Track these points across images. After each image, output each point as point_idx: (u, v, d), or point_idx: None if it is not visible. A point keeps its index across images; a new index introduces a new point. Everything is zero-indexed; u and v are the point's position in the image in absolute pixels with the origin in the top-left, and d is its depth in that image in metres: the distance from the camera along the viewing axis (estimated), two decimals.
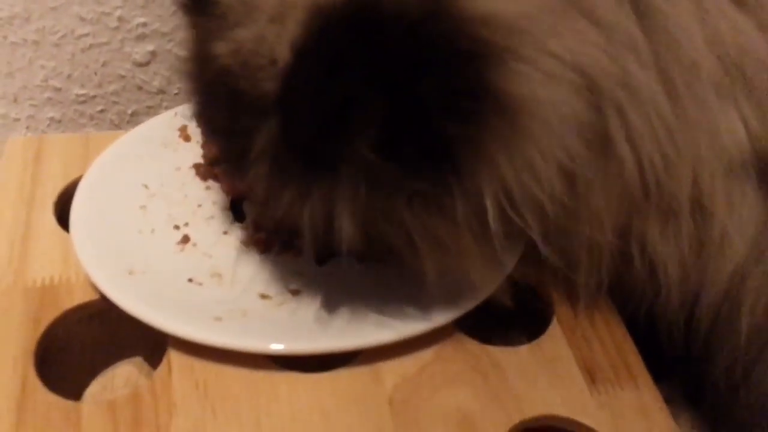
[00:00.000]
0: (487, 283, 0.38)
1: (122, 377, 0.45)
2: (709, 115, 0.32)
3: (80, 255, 0.40)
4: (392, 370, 0.38)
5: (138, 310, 0.37)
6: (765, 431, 0.41)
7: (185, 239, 0.42)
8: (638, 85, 0.31)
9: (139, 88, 0.53)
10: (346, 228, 0.32)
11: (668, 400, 0.46)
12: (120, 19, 0.50)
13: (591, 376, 0.39)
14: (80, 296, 0.41)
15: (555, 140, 0.31)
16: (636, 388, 0.39)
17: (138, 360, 0.45)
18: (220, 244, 0.42)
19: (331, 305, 0.39)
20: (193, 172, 0.45)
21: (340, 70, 0.30)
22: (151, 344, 0.41)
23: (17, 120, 0.52)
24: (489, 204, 0.31)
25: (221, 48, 0.34)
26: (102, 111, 0.53)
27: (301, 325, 0.38)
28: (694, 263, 0.36)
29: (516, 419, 0.37)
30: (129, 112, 0.54)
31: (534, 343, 0.41)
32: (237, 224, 0.43)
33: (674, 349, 0.42)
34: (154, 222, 0.43)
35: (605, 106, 0.31)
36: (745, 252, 0.35)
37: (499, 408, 0.37)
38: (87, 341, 0.45)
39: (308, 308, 0.39)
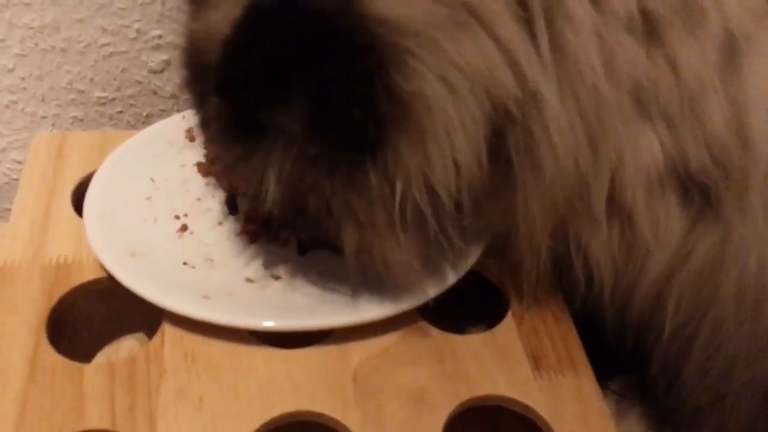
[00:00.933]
0: (408, 270, 0.40)
1: (126, 349, 0.50)
2: (621, 135, 0.36)
3: (90, 238, 0.45)
4: (359, 349, 0.43)
5: (137, 287, 0.42)
6: (699, 425, 0.45)
7: (184, 228, 0.47)
8: (544, 104, 0.35)
9: (154, 92, 0.58)
10: (272, 192, 0.37)
11: (620, 395, 0.50)
12: (138, 31, 0.55)
13: (536, 362, 0.43)
14: (89, 274, 0.46)
15: (454, 142, 0.34)
16: (576, 375, 0.43)
17: (141, 335, 0.50)
18: (215, 234, 0.47)
19: (307, 289, 0.44)
20: (195, 169, 0.51)
21: (266, 46, 0.34)
22: (152, 322, 0.46)
23: (44, 118, 0.57)
24: (398, 188, 0.35)
25: (196, 26, 0.40)
26: (120, 112, 0.58)
27: (280, 306, 0.43)
28: (624, 266, 0.40)
29: (464, 397, 0.41)
30: (144, 114, 0.59)
31: (488, 332, 0.45)
32: (231, 217, 0.48)
33: (618, 346, 0.47)
34: (158, 212, 0.48)
35: (511, 120, 0.35)
36: (669, 258, 0.39)
37: (451, 387, 0.42)
38: (96, 317, 0.50)
39: (287, 292, 0.44)
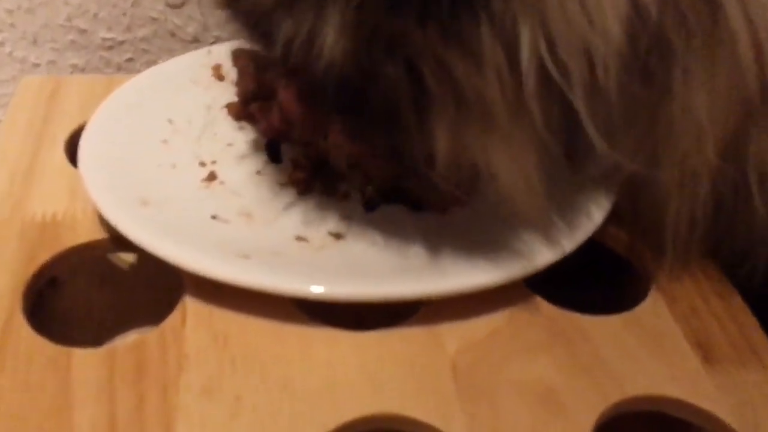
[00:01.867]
0: (520, 193, 0.28)
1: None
2: None
3: (88, 186, 0.33)
4: (456, 332, 0.31)
5: (151, 242, 0.30)
6: None
7: (211, 176, 0.35)
8: None
9: (172, 34, 0.47)
10: (330, 44, 0.25)
11: None
12: None
13: (704, 352, 0.31)
14: (85, 235, 0.34)
15: None
16: (763, 368, 0.31)
17: (152, 329, 0.39)
18: (252, 184, 0.35)
19: (380, 251, 0.32)
20: (225, 111, 0.39)
21: None
22: (168, 310, 0.35)
23: (37, 65, 0.46)
24: (524, 41, 0.24)
25: None
26: (129, 60, 0.47)
27: (343, 269, 0.31)
28: None
29: (614, 398, 0.29)
30: (159, 61, 0.47)
31: (630, 313, 0.33)
32: (272, 166, 0.37)
33: None
34: (177, 157, 0.36)
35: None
36: None
37: (591, 384, 0.29)
38: (95, 305, 0.39)
39: (352, 252, 0.32)
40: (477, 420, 0.28)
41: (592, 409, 0.28)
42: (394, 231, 0.33)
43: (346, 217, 0.34)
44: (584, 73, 0.24)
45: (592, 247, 0.35)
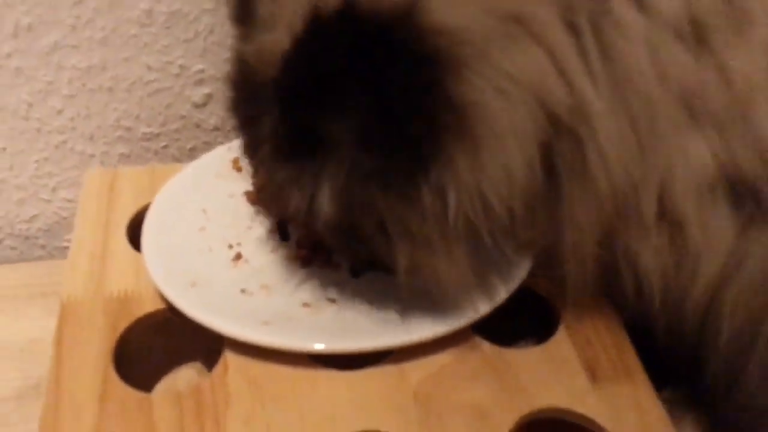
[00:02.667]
0: (459, 286, 0.41)
1: (184, 379, 0.50)
2: (671, 142, 0.36)
3: (151, 270, 0.45)
4: (417, 368, 0.43)
5: (200, 316, 0.42)
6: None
7: (238, 256, 0.48)
8: (594, 112, 0.35)
9: (197, 126, 0.59)
10: (326, 209, 0.37)
11: (673, 402, 0.50)
12: (181, 66, 0.56)
13: (592, 373, 0.43)
14: (149, 306, 0.46)
15: (508, 151, 0.35)
16: (633, 384, 0.43)
17: (197, 364, 0.51)
18: (268, 260, 0.48)
19: (363, 311, 0.44)
20: (244, 198, 0.51)
21: (327, 59, 0.35)
22: (208, 351, 0.47)
23: (93, 156, 0.58)
24: (451, 202, 0.36)
25: (249, 49, 0.40)
26: (165, 147, 0.59)
27: (337, 329, 0.43)
28: (674, 274, 0.40)
29: (525, 410, 0.41)
30: (188, 147, 0.59)
31: (542, 345, 0.45)
32: (282, 243, 0.49)
33: (670, 355, 0.47)
34: (212, 242, 0.49)
35: (560, 129, 0.36)
36: (721, 264, 0.38)
37: (510, 401, 0.42)
38: (153, 348, 0.50)
39: (344, 314, 0.44)
40: (430, 430, 0.40)
41: (510, 418, 0.41)
42: (373, 294, 0.45)
43: (339, 283, 0.46)
44: (495, 218, 0.36)
45: (524, 291, 0.47)
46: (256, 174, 0.50)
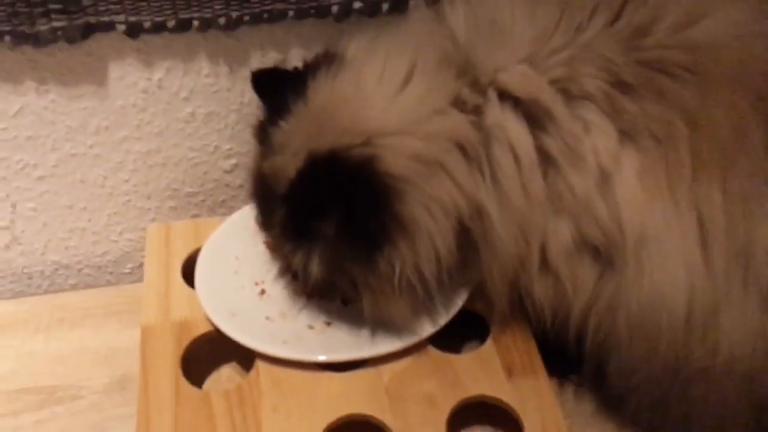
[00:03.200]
0: (405, 321, 0.60)
1: (225, 375, 0.68)
2: (544, 226, 0.55)
3: (203, 304, 0.64)
4: (387, 370, 0.62)
5: (238, 337, 0.61)
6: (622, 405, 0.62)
7: (262, 292, 0.67)
8: (489, 215, 0.55)
9: (227, 185, 0.77)
10: (315, 273, 0.57)
11: (578, 385, 0.68)
12: (215, 147, 0.74)
13: (509, 371, 0.62)
14: (202, 329, 0.64)
15: (433, 242, 0.54)
16: (536, 378, 0.61)
17: (234, 364, 0.69)
18: (283, 294, 0.66)
19: (350, 331, 0.63)
20: (264, 246, 0.70)
21: (317, 186, 0.55)
22: (241, 355, 0.65)
23: (149, 209, 0.76)
24: (397, 270, 0.55)
25: (266, 165, 0.60)
26: (203, 200, 0.77)
27: (333, 344, 0.62)
28: (558, 305, 0.58)
29: (460, 397, 0.60)
30: (220, 200, 0.78)
31: (475, 351, 0.64)
32: (293, 282, 0.67)
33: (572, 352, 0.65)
34: (243, 281, 0.67)
35: (472, 225, 0.55)
36: (586, 299, 0.57)
37: (451, 391, 0.60)
38: (202, 355, 0.67)
39: (337, 333, 0.63)
40: (397, 413, 0.59)
41: (451, 403, 0.59)
42: (357, 318, 0.63)
43: (332, 311, 0.65)
44: (431, 275, 0.55)
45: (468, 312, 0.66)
46: (270, 241, 0.68)
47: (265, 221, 0.62)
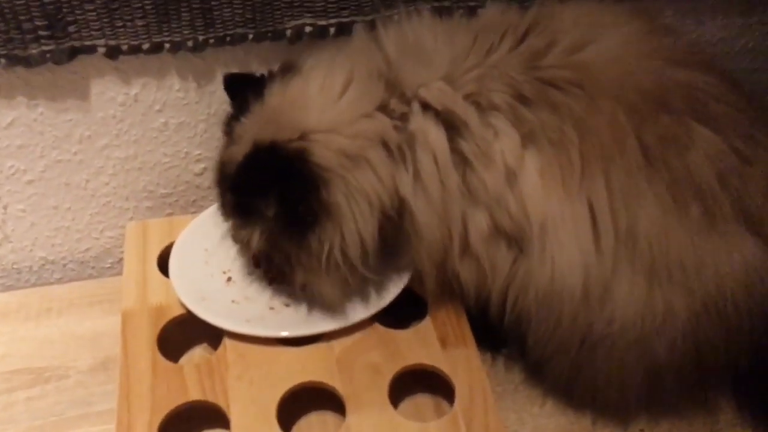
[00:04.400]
0: (334, 297, 0.68)
1: (197, 354, 0.75)
2: (462, 214, 0.63)
3: (176, 290, 0.72)
4: (339, 344, 0.70)
5: (208, 317, 0.69)
6: (542, 370, 0.71)
7: (229, 279, 0.75)
8: (411, 205, 0.63)
9: (197, 187, 0.85)
10: (255, 245, 0.66)
11: (507, 356, 0.77)
12: (186, 153, 0.82)
13: (443, 342, 0.70)
14: (175, 312, 0.72)
15: (357, 227, 0.63)
16: (466, 348, 0.70)
17: (205, 345, 0.76)
18: (247, 281, 0.74)
19: (305, 311, 0.71)
20: (230, 240, 0.77)
21: (259, 171, 0.64)
22: (212, 338, 0.73)
23: (128, 209, 0.84)
24: (325, 248, 0.63)
25: (225, 153, 0.69)
26: (176, 201, 0.85)
27: (292, 322, 0.70)
28: (480, 285, 0.67)
29: (401, 365, 0.68)
30: (192, 200, 0.85)
31: (414, 327, 0.72)
32: (255, 270, 0.75)
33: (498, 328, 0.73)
34: (212, 270, 0.75)
35: (397, 213, 0.64)
36: (503, 279, 0.65)
37: (393, 361, 0.68)
38: (178, 336, 0.74)
39: (295, 313, 0.71)
40: (346, 380, 0.67)
41: (393, 371, 0.67)
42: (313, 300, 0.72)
43: (291, 294, 0.73)
44: (355, 256, 0.64)
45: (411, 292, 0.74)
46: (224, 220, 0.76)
47: (222, 202, 0.71)
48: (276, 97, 0.66)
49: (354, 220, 0.63)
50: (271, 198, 0.64)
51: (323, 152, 0.62)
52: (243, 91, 0.69)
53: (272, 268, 0.71)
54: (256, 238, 0.66)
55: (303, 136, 0.63)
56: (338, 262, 0.64)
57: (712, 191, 0.61)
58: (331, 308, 0.69)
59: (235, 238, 0.71)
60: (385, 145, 0.63)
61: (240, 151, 0.65)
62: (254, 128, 0.66)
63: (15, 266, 0.86)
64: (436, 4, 0.75)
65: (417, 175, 0.63)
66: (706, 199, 0.61)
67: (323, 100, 0.65)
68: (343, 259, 0.64)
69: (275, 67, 0.70)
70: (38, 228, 0.83)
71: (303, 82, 0.66)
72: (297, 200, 0.63)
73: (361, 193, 0.62)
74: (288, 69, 0.68)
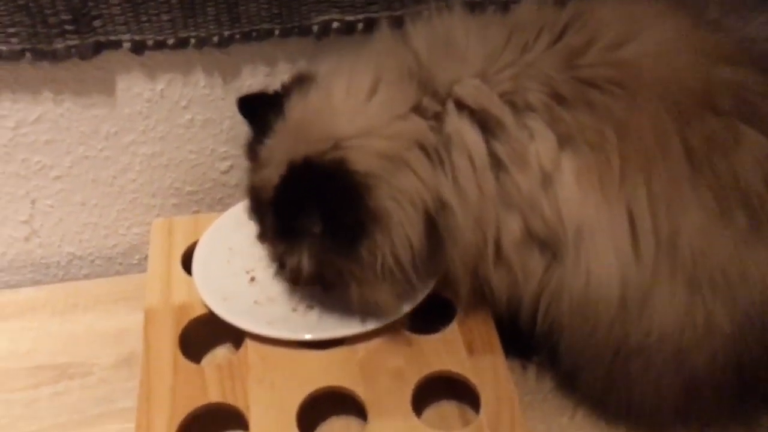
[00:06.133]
0: (390, 305, 0.65)
1: (220, 355, 0.74)
2: (497, 220, 0.60)
3: (198, 289, 0.70)
4: (363, 347, 0.67)
5: (229, 318, 0.68)
6: (575, 379, 0.68)
7: (252, 279, 0.73)
8: (451, 208, 0.60)
9: (223, 185, 0.83)
10: (306, 268, 0.63)
11: (539, 364, 0.74)
12: (212, 150, 0.80)
13: (469, 349, 0.67)
14: (198, 311, 0.70)
15: (405, 231, 0.60)
16: (493, 355, 0.67)
17: (228, 345, 0.74)
18: (272, 282, 0.72)
19: (329, 314, 0.69)
20: (256, 240, 0.75)
21: (298, 189, 0.61)
22: (234, 337, 0.71)
23: (154, 206, 0.83)
24: (378, 258, 0.61)
25: (256, 178, 0.66)
26: (202, 198, 0.84)
27: (316, 325, 0.68)
28: (512, 291, 0.64)
29: (425, 372, 0.65)
30: (218, 198, 0.84)
31: (441, 332, 0.69)
32: (280, 270, 0.73)
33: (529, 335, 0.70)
34: (236, 269, 0.73)
35: (437, 215, 0.61)
36: (535, 286, 0.62)
37: (418, 366, 0.66)
38: (200, 335, 0.73)
39: (319, 316, 0.69)
40: (368, 385, 0.64)
41: (417, 377, 0.65)
42: (335, 302, 0.69)
43: (314, 296, 0.71)
44: (404, 265, 0.61)
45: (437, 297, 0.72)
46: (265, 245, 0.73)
47: (261, 229, 0.68)
48: (297, 110, 0.64)
49: (402, 224, 0.60)
50: (316, 215, 0.61)
51: (361, 157, 0.59)
52: (260, 111, 0.66)
53: (325, 286, 0.68)
54: (305, 261, 0.63)
55: (336, 145, 0.60)
56: (392, 268, 0.62)
57: (760, 197, 0.57)
58: (387, 315, 0.67)
59: (283, 265, 0.67)
60: (422, 147, 0.60)
61: (274, 173, 0.62)
62: (283, 147, 0.63)
63: (43, 261, 0.85)
64: None
65: (455, 179, 0.60)
66: (753, 206, 0.57)
67: (351, 105, 0.62)
68: (396, 265, 0.61)
69: (288, 79, 0.68)
70: (66, 223, 0.83)
71: (324, 90, 0.63)
72: (342, 212, 0.60)
73: (405, 196, 0.60)
74: (302, 80, 0.66)
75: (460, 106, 0.61)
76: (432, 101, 0.61)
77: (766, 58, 0.80)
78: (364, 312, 0.67)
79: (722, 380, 0.61)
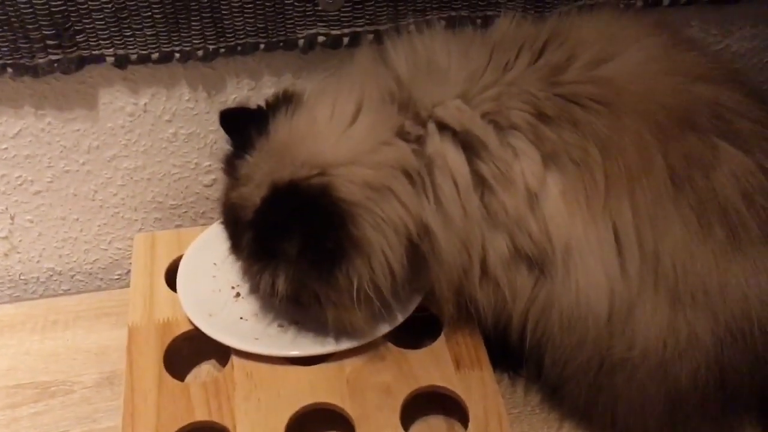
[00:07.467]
0: (365, 328, 0.66)
1: (205, 371, 0.73)
2: (483, 239, 0.61)
3: (183, 305, 0.70)
4: (350, 363, 0.68)
5: (214, 334, 0.67)
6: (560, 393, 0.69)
7: (237, 295, 0.73)
8: (434, 231, 0.61)
9: (206, 198, 0.83)
10: (281, 290, 0.63)
11: (527, 378, 0.75)
12: (196, 163, 0.80)
13: (457, 364, 0.68)
14: (183, 328, 0.70)
15: (386, 258, 0.60)
16: (480, 370, 0.67)
17: (213, 361, 0.74)
18: (256, 298, 0.73)
19: (315, 330, 0.69)
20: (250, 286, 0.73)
21: (280, 212, 0.61)
22: (219, 353, 0.71)
23: (136, 220, 0.83)
24: (355, 283, 0.61)
25: (234, 195, 0.66)
26: (185, 212, 0.84)
27: (301, 341, 0.68)
28: (501, 309, 0.64)
29: (413, 387, 0.66)
30: (201, 212, 0.84)
31: (428, 347, 0.70)
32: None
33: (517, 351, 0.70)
34: (220, 285, 0.73)
35: (419, 239, 0.61)
36: (524, 303, 0.63)
37: (405, 382, 0.66)
38: (185, 352, 0.73)
39: (305, 332, 0.69)
40: (357, 402, 0.65)
41: (405, 392, 0.65)
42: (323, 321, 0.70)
43: (300, 312, 0.71)
44: (385, 288, 0.62)
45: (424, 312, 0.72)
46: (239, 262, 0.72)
47: (235, 245, 0.67)
48: (282, 131, 0.64)
49: (383, 252, 0.61)
50: (297, 239, 0.61)
51: (347, 186, 0.60)
52: (241, 126, 0.66)
53: (299, 306, 0.68)
54: (281, 282, 0.63)
55: (323, 172, 0.61)
56: (369, 294, 0.62)
57: (738, 212, 0.59)
58: (362, 337, 0.67)
59: (256, 284, 0.67)
60: (406, 173, 0.61)
61: (255, 193, 0.63)
62: (265, 167, 0.63)
63: (22, 277, 0.85)
64: (452, 13, 0.73)
65: (438, 200, 0.61)
66: (732, 220, 0.59)
67: (335, 130, 0.62)
68: (374, 292, 0.62)
69: (272, 96, 0.68)
70: (46, 239, 0.82)
71: (309, 112, 0.64)
72: (324, 238, 0.60)
73: (388, 224, 0.60)
74: (287, 99, 0.66)
75: (442, 127, 0.62)
76: (413, 124, 0.62)
77: (746, 71, 0.83)
78: (339, 332, 0.68)
79: (705, 392, 0.62)
